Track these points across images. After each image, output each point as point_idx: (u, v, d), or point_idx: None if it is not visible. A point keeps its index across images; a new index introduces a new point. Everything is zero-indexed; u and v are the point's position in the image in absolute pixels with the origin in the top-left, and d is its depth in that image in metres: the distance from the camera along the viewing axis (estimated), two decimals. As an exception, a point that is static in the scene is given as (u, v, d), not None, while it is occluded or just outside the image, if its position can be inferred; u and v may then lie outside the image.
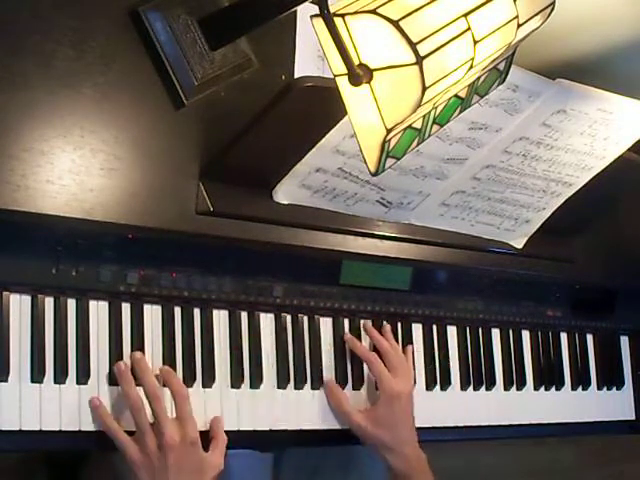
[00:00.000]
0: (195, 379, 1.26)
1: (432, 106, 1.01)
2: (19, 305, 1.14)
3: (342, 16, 0.91)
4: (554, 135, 1.38)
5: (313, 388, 1.38)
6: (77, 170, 1.09)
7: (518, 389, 1.64)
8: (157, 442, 1.14)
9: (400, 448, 1.36)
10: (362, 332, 1.45)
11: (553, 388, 1.70)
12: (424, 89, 0.90)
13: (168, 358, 1.24)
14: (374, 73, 0.91)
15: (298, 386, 1.36)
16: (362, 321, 1.46)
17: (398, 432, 1.37)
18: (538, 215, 1.52)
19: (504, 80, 1.15)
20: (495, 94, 1.20)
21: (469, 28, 0.94)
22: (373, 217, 1.37)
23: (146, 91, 1.15)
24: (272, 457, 1.57)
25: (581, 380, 1.75)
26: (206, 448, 1.20)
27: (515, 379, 1.64)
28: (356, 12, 0.91)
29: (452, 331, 1.57)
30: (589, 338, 1.79)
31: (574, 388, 1.74)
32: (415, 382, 1.46)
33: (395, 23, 0.88)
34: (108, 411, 1.17)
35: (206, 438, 1.22)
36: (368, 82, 0.92)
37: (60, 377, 1.15)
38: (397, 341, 1.48)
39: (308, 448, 1.54)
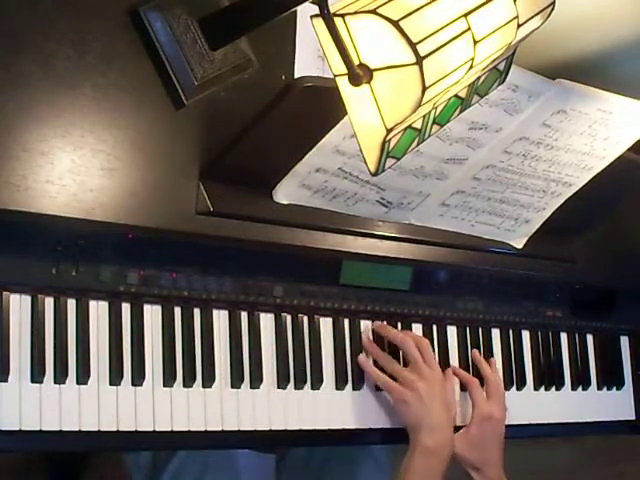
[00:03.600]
0: (195, 379, 1.26)
1: (432, 106, 1.01)
2: (19, 305, 1.14)
3: (342, 16, 0.91)
4: (554, 135, 1.38)
5: (313, 388, 1.38)
6: (77, 170, 1.09)
7: (518, 389, 1.64)
8: (417, 378, 1.38)
9: (485, 469, 1.44)
10: (362, 334, 1.45)
11: (553, 388, 1.70)
12: (424, 89, 0.90)
13: (168, 358, 1.24)
14: (374, 73, 0.91)
15: (298, 386, 1.36)
16: (474, 352, 1.56)
17: (486, 453, 1.45)
18: (538, 215, 1.52)
19: (504, 80, 1.15)
20: (495, 94, 1.20)
21: (469, 28, 0.94)
22: (373, 217, 1.37)
23: (146, 91, 1.15)
24: (275, 458, 1.57)
25: (581, 380, 1.75)
26: None
27: (515, 379, 1.64)
28: (356, 12, 0.91)
29: (452, 331, 1.57)
30: (589, 338, 1.79)
31: (574, 388, 1.74)
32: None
33: (395, 23, 0.88)
34: (371, 362, 1.42)
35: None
36: (368, 82, 0.92)
37: (60, 377, 1.15)
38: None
39: (311, 449, 1.54)
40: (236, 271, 1.30)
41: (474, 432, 1.45)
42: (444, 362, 1.53)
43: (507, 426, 1.51)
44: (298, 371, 1.36)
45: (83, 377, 1.17)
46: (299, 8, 1.11)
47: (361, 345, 1.44)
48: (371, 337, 1.45)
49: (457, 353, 1.57)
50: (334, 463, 1.55)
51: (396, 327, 1.49)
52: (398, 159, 1.03)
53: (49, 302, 1.17)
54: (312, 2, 0.97)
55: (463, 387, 1.52)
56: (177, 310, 1.27)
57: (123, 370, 1.20)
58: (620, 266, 1.71)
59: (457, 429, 1.45)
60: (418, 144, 1.06)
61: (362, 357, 1.42)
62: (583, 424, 1.73)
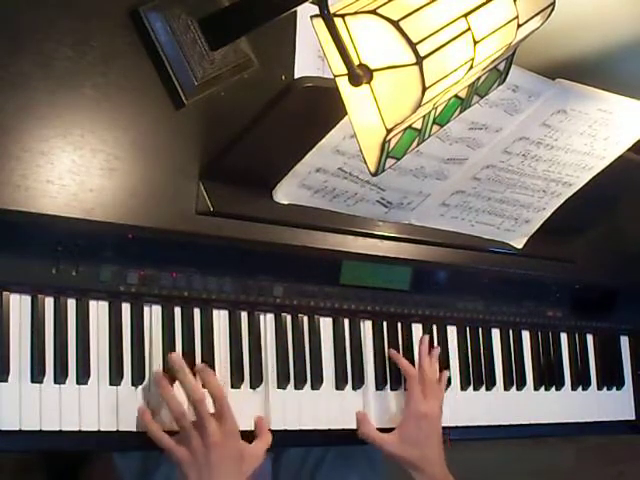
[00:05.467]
0: (195, 379, 1.26)
1: (432, 106, 1.01)
2: (19, 305, 1.14)
3: (342, 16, 0.91)
4: (554, 135, 1.38)
5: (313, 388, 1.38)
6: (77, 170, 1.09)
7: (518, 389, 1.64)
8: (201, 441, 1.18)
9: (428, 468, 1.40)
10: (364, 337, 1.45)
11: (553, 388, 1.70)
12: (424, 89, 0.90)
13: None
14: (374, 73, 0.91)
15: (298, 386, 1.36)
16: (425, 337, 1.49)
17: (425, 450, 1.40)
18: (538, 215, 1.52)
19: (504, 80, 1.15)
20: (495, 94, 1.20)
21: (469, 28, 0.94)
22: (373, 217, 1.37)
23: (146, 91, 1.15)
24: (271, 457, 1.57)
25: (581, 380, 1.75)
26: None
27: (515, 379, 1.64)
28: (356, 12, 0.91)
29: (452, 331, 1.57)
30: (589, 338, 1.79)
31: (574, 388, 1.74)
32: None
33: (395, 23, 0.88)
34: (151, 417, 1.20)
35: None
36: (368, 82, 0.92)
37: (60, 377, 1.15)
38: (397, 341, 1.48)
39: (308, 448, 1.54)
40: (236, 271, 1.30)
41: (408, 430, 1.41)
42: (444, 362, 1.53)
43: (507, 426, 1.51)
44: (298, 371, 1.36)
45: (83, 377, 1.17)
46: (299, 8, 1.11)
47: (361, 345, 1.44)
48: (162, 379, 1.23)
49: (457, 353, 1.57)
50: (329, 463, 1.55)
51: (396, 327, 1.49)
52: (398, 159, 1.03)
53: (49, 302, 1.17)
54: (312, 2, 0.97)
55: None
56: (177, 310, 1.27)
57: (123, 370, 1.20)
58: (620, 266, 1.71)
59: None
60: (418, 144, 1.06)
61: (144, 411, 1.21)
62: (583, 424, 1.74)
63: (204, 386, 1.23)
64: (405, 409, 1.43)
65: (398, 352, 1.47)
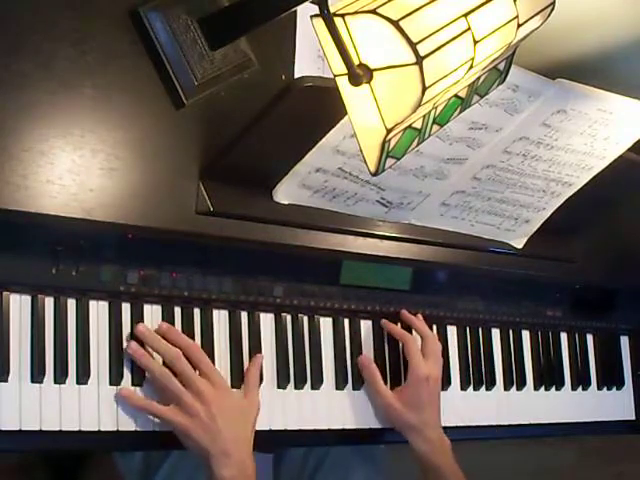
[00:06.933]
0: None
1: (432, 106, 1.01)
2: (19, 305, 1.14)
3: (342, 16, 0.91)
4: (554, 135, 1.38)
5: (313, 388, 1.38)
6: (77, 170, 1.09)
7: (518, 389, 1.64)
8: (197, 399, 1.18)
9: (425, 430, 1.39)
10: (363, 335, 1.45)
11: (553, 388, 1.70)
12: (424, 89, 0.90)
13: (168, 358, 1.24)
14: (374, 73, 0.91)
15: (298, 386, 1.36)
16: (402, 311, 1.47)
17: (424, 414, 1.40)
18: (538, 215, 1.52)
19: (504, 80, 1.15)
20: (495, 94, 1.20)
21: (469, 28, 0.94)
22: (373, 217, 1.37)
23: (146, 91, 1.15)
24: (272, 457, 1.57)
25: (581, 380, 1.75)
26: None
27: (515, 379, 1.64)
28: (356, 12, 0.91)
29: (452, 331, 1.57)
30: (589, 338, 1.79)
31: (574, 388, 1.74)
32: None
33: (395, 23, 0.88)
34: (139, 394, 1.19)
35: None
36: (368, 82, 0.92)
37: (60, 377, 1.15)
38: (397, 341, 1.48)
39: (308, 449, 1.54)
40: (236, 271, 1.30)
41: (411, 393, 1.41)
42: (444, 362, 1.53)
43: (507, 426, 1.51)
44: (298, 371, 1.36)
45: (83, 377, 1.17)
46: (299, 8, 1.11)
47: (361, 345, 1.44)
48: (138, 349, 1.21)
49: (457, 353, 1.57)
50: (330, 463, 1.55)
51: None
52: (398, 159, 1.03)
53: (49, 302, 1.16)
54: (312, 2, 0.97)
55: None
56: (177, 310, 1.27)
57: (123, 370, 1.20)
58: (620, 266, 1.71)
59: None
60: (418, 144, 1.06)
61: (125, 390, 1.19)
62: (583, 424, 1.73)
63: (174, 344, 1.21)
64: (408, 373, 1.43)
65: (398, 353, 1.47)
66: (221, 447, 1.17)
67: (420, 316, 1.49)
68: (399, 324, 1.48)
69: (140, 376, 1.21)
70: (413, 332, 1.48)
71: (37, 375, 1.13)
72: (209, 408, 1.18)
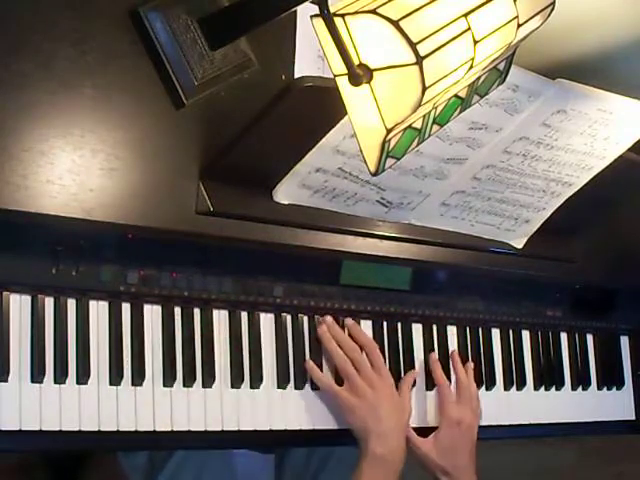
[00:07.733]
0: (195, 379, 1.26)
1: (432, 106, 1.01)
2: (19, 305, 1.14)
3: (342, 16, 0.91)
4: (554, 135, 1.38)
5: (313, 388, 1.38)
6: (77, 170, 1.09)
7: (518, 389, 1.64)
8: (365, 383, 1.34)
9: (455, 474, 1.41)
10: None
11: (553, 388, 1.70)
12: (424, 89, 0.90)
13: (168, 358, 1.24)
14: (374, 73, 0.91)
15: (298, 386, 1.36)
16: (453, 353, 1.53)
17: (457, 459, 1.42)
18: (538, 215, 1.52)
19: (504, 80, 1.15)
20: (495, 94, 1.20)
21: (469, 28, 0.94)
22: (373, 217, 1.37)
23: (146, 91, 1.15)
24: (274, 458, 1.57)
25: (581, 380, 1.75)
26: None
27: (515, 379, 1.64)
28: (356, 12, 0.91)
29: (452, 331, 1.57)
30: (589, 338, 1.79)
31: (574, 388, 1.74)
32: (415, 383, 1.47)
33: (395, 23, 0.88)
34: (319, 371, 1.35)
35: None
36: (368, 82, 0.92)
37: (60, 377, 1.15)
38: (397, 341, 1.48)
39: (310, 449, 1.54)
40: (236, 271, 1.30)
41: (443, 437, 1.43)
42: (444, 362, 1.53)
43: (507, 426, 1.51)
44: (298, 371, 1.36)
45: (83, 377, 1.17)
46: (299, 8, 1.11)
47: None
48: (326, 331, 1.38)
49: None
50: (333, 464, 1.54)
51: (396, 327, 1.49)
52: (398, 159, 1.03)
53: (49, 302, 1.17)
54: (312, 2, 0.97)
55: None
56: (177, 310, 1.27)
57: (123, 370, 1.20)
58: (620, 266, 1.71)
59: (425, 430, 1.44)
60: (418, 144, 1.06)
61: (309, 362, 1.36)
62: (583, 424, 1.73)
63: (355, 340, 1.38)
64: (440, 417, 1.46)
65: (398, 353, 1.47)
66: (381, 429, 1.32)
67: (471, 364, 1.53)
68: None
69: (140, 377, 1.21)
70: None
71: (37, 375, 1.13)
72: (376, 394, 1.34)
